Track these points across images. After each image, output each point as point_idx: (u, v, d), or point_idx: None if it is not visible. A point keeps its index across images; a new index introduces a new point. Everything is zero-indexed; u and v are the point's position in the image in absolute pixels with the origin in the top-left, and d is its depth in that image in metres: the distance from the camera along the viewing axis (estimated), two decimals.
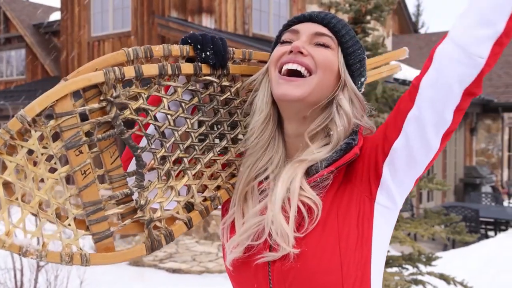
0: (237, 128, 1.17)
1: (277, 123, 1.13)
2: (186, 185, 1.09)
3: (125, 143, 1.02)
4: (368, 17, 4.05)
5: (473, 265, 6.75)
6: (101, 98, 0.96)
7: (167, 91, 1.08)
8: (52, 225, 0.96)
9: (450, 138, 1.04)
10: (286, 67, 1.06)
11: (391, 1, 4.01)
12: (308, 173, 1.05)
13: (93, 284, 4.69)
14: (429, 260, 4.17)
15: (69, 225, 0.94)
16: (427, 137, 0.99)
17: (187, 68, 1.05)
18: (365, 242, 1.03)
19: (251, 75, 1.16)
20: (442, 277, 4.13)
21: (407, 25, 20.11)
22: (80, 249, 0.94)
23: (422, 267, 4.28)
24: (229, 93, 1.14)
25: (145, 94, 1.01)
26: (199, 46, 1.07)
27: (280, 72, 1.08)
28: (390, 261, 4.07)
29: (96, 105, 0.95)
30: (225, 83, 1.12)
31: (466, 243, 7.83)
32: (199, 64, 1.07)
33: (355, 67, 1.11)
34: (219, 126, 1.14)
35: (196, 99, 1.09)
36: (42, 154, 0.91)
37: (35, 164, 0.94)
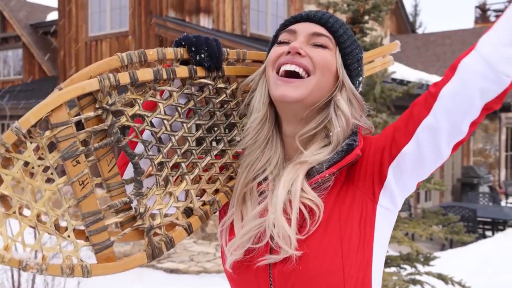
0: (233, 130, 1.16)
1: (274, 124, 1.12)
2: (184, 190, 1.08)
3: (121, 150, 1.00)
4: (366, 17, 4.05)
5: (471, 265, 6.76)
6: (97, 106, 0.94)
7: (162, 95, 1.07)
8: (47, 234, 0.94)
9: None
10: (284, 68, 1.06)
11: (389, 1, 4.01)
12: (309, 174, 1.05)
13: (91, 284, 4.67)
14: (427, 260, 4.18)
15: (69, 236, 0.92)
16: (439, 146, 0.99)
17: (182, 71, 1.04)
18: (367, 244, 1.03)
19: (247, 76, 1.16)
20: (440, 277, 4.13)
21: (404, 25, 20.12)
22: (81, 260, 0.93)
23: (420, 267, 4.29)
24: (224, 95, 1.13)
25: (140, 100, 0.99)
26: (193, 49, 1.06)
27: (277, 73, 1.07)
28: (388, 261, 4.07)
29: (91, 114, 0.94)
30: (221, 85, 1.11)
31: (464, 243, 7.83)
32: (194, 67, 1.06)
33: (353, 67, 1.10)
34: (215, 129, 1.13)
35: (192, 103, 1.07)
36: (38, 166, 0.89)
37: (31, 175, 0.92)
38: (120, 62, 0.97)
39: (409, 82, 9.23)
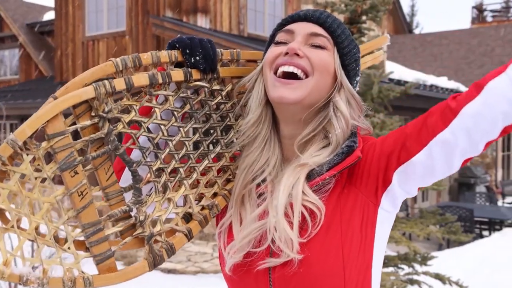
0: (230, 132, 1.15)
1: (272, 124, 1.11)
2: (183, 195, 1.07)
3: (115, 157, 0.99)
4: (364, 17, 4.05)
5: (468, 265, 6.77)
6: (93, 114, 0.92)
7: (157, 99, 1.05)
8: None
9: None
10: (282, 69, 1.05)
11: (386, 1, 4.01)
12: (309, 176, 1.04)
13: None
14: (424, 260, 4.18)
15: (69, 248, 0.90)
16: (452, 160, 0.98)
17: (178, 75, 1.03)
18: (368, 246, 1.02)
19: (241, 77, 1.14)
20: (437, 276, 4.14)
21: (401, 26, 20.15)
22: (82, 272, 0.91)
23: (417, 266, 4.29)
24: (220, 97, 1.11)
25: (136, 106, 0.98)
26: (187, 51, 1.04)
27: (275, 73, 1.06)
28: (386, 261, 4.07)
29: (88, 122, 0.91)
30: (216, 86, 1.10)
31: (461, 243, 7.85)
32: (189, 69, 1.04)
33: (351, 67, 1.10)
34: (212, 131, 1.12)
35: (188, 106, 1.06)
36: (36, 178, 0.87)
37: (28, 187, 0.90)
38: (115, 67, 0.95)
39: (406, 82, 9.25)
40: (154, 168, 1.01)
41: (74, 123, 0.91)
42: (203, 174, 1.11)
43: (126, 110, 0.97)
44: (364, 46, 1.30)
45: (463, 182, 12.61)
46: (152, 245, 0.99)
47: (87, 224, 0.91)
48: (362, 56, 1.29)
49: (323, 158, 1.04)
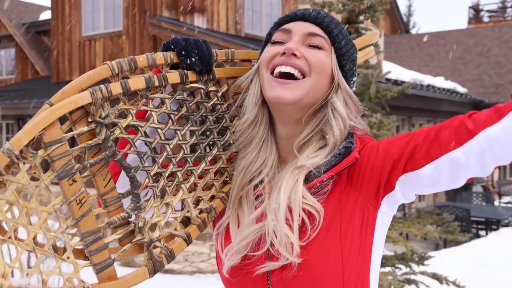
0: (226, 134, 1.14)
1: (269, 125, 1.10)
2: (180, 199, 1.06)
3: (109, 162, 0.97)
4: (361, 17, 4.05)
5: (465, 265, 6.79)
6: (89, 119, 0.90)
7: (153, 102, 1.04)
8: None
9: None
10: (279, 69, 1.04)
11: (384, 1, 4.01)
12: (307, 178, 1.03)
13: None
14: (421, 260, 4.19)
15: (68, 258, 0.88)
16: (459, 177, 0.97)
17: (174, 77, 1.01)
18: (367, 249, 1.02)
19: (236, 77, 1.13)
20: (435, 276, 4.14)
21: (398, 26, 20.18)
22: (82, 281, 0.89)
23: (415, 266, 4.30)
24: (216, 98, 1.10)
25: (133, 110, 0.96)
26: (183, 52, 1.03)
27: (272, 73, 1.05)
28: (383, 261, 4.07)
29: (85, 128, 0.89)
30: (212, 88, 1.09)
31: (458, 243, 7.86)
32: (185, 71, 1.03)
33: (348, 67, 1.09)
34: (208, 133, 1.11)
35: (184, 109, 1.05)
36: (34, 187, 0.85)
37: (24, 196, 0.88)
38: (111, 71, 0.93)
39: (403, 82, 9.26)
40: (152, 173, 0.99)
41: (70, 130, 0.89)
42: (200, 177, 1.10)
43: (123, 115, 0.96)
44: (354, 42, 1.29)
45: None
46: (151, 251, 0.98)
47: (86, 232, 0.89)
48: None
49: (320, 159, 1.03)
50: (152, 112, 0.99)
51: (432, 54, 17.88)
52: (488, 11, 26.05)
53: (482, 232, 9.45)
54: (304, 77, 1.04)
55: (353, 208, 1.01)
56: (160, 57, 1.00)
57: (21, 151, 0.82)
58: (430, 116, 12.12)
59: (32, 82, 13.74)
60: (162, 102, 1.01)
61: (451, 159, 0.94)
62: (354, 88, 1.14)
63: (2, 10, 16.11)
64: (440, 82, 13.09)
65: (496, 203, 11.61)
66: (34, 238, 0.87)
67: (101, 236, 0.91)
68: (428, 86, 11.67)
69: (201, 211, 1.08)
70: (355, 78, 1.14)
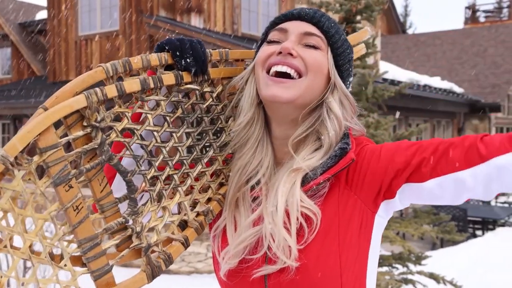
0: (221, 135, 1.13)
1: (264, 125, 1.09)
2: (177, 202, 1.05)
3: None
4: (359, 17, 4.05)
5: (462, 264, 6.80)
6: (85, 123, 0.88)
7: (147, 104, 1.02)
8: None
9: None
10: (275, 69, 1.02)
11: (381, 1, 4.02)
12: (303, 181, 1.01)
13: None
14: (418, 260, 4.20)
15: (65, 265, 0.86)
16: (461, 196, 0.97)
17: (169, 78, 1.00)
18: (364, 253, 1.01)
19: (231, 77, 1.12)
20: (432, 276, 4.15)
21: (395, 26, 20.22)
22: None
23: (412, 266, 4.30)
24: (211, 99, 1.09)
25: (129, 113, 0.94)
26: (178, 53, 1.01)
27: (268, 73, 1.03)
28: (380, 261, 4.08)
29: (80, 133, 0.87)
30: (207, 89, 1.08)
31: (455, 243, 7.88)
32: (180, 72, 1.02)
33: (344, 68, 1.08)
34: (204, 135, 1.09)
35: (180, 111, 1.03)
36: (29, 194, 0.83)
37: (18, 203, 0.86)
38: (105, 73, 0.91)
39: (400, 82, 9.28)
40: (148, 177, 0.98)
41: (65, 134, 0.87)
42: (196, 179, 1.09)
43: (118, 118, 0.94)
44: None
45: None
46: (149, 256, 0.96)
47: (83, 239, 0.87)
48: None
49: (316, 161, 1.02)
50: (148, 115, 0.98)
51: (429, 54, 17.91)
52: (484, 11, 26.13)
53: (478, 232, 9.47)
54: (300, 76, 1.02)
55: (352, 212, 1.00)
56: (154, 58, 0.99)
57: (16, 158, 0.80)
58: (427, 116, 12.14)
59: (28, 82, 13.70)
60: (158, 104, 1.00)
61: (457, 179, 0.94)
62: (350, 89, 1.13)
63: None
64: (436, 82, 13.12)
65: (493, 203, 11.64)
66: (30, 246, 0.85)
67: (98, 242, 0.89)
68: (425, 86, 11.69)
69: (198, 214, 1.07)
70: (351, 79, 1.13)
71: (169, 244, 1.02)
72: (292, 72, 1.02)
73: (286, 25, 1.07)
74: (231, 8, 9.99)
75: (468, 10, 25.69)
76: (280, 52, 1.03)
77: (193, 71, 1.03)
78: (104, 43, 10.24)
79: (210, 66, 1.09)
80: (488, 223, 9.37)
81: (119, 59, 0.95)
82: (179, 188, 1.04)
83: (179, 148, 1.04)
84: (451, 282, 4.15)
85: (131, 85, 0.94)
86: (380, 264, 4.11)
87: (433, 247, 8.31)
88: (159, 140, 1.00)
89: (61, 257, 0.88)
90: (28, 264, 4.38)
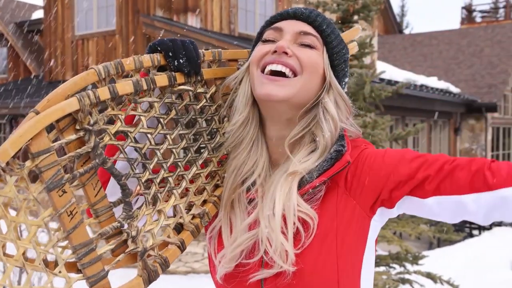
0: (216, 136, 1.12)
1: (259, 125, 1.08)
2: (172, 205, 1.04)
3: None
4: (356, 17, 4.05)
5: (459, 264, 6.82)
6: (77, 127, 0.86)
7: (141, 105, 1.01)
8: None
9: None
10: (270, 68, 1.01)
11: (378, 0, 4.02)
12: (299, 184, 1.00)
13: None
14: (415, 259, 4.20)
15: (60, 272, 0.85)
16: (458, 217, 0.97)
17: (162, 80, 0.99)
18: (359, 258, 1.01)
19: (225, 78, 1.11)
20: (429, 276, 4.16)
21: (392, 26, 20.25)
22: None
23: (409, 266, 4.31)
24: (205, 100, 1.08)
25: (122, 115, 0.93)
26: (170, 54, 1.00)
27: (262, 72, 1.02)
28: (377, 260, 4.08)
29: (73, 136, 0.86)
30: (200, 89, 1.07)
31: (451, 242, 7.89)
32: (173, 73, 1.01)
33: (340, 68, 1.07)
34: (198, 136, 1.08)
35: (173, 112, 1.02)
36: (22, 200, 0.81)
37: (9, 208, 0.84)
38: (98, 76, 0.90)
39: (396, 82, 9.29)
40: (143, 180, 0.97)
41: (57, 138, 0.85)
42: (191, 181, 1.08)
43: (111, 121, 0.93)
44: None
45: None
46: (145, 260, 0.95)
47: (78, 245, 0.86)
48: None
49: (312, 163, 1.01)
50: (141, 117, 0.96)
51: (425, 54, 17.94)
52: (480, 11, 26.19)
53: (475, 232, 9.50)
54: (295, 75, 1.02)
55: (350, 217, 0.99)
56: (147, 59, 0.98)
57: (7, 163, 0.78)
58: (424, 116, 12.16)
59: (25, 82, 13.65)
60: (151, 106, 0.99)
61: (459, 202, 0.94)
62: (345, 89, 1.12)
63: None
64: (433, 82, 13.15)
65: None
66: (24, 253, 0.83)
67: (93, 247, 0.88)
68: (422, 86, 11.71)
69: (193, 217, 1.06)
70: (346, 79, 1.12)
71: (165, 248, 1.01)
72: (287, 71, 1.01)
73: (282, 24, 1.06)
74: (228, 8, 9.98)
75: (464, 10, 25.74)
76: (275, 51, 1.02)
77: (186, 71, 1.01)
78: (100, 43, 10.21)
79: (203, 66, 1.07)
80: None
81: (115, 59, 0.94)
82: (174, 191, 1.03)
83: (174, 150, 1.03)
84: (448, 282, 4.15)
85: (124, 87, 0.93)
86: (377, 264, 4.11)
87: (430, 246, 8.33)
88: (153, 143, 0.98)
89: (56, 263, 0.86)
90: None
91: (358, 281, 1.01)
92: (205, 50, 1.08)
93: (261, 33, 1.10)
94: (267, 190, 1.03)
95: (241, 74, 1.09)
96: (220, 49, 1.11)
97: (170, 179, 1.02)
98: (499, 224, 9.60)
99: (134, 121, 0.99)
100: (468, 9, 25.74)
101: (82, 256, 0.86)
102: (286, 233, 0.97)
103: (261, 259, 0.99)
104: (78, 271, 0.88)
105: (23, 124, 0.81)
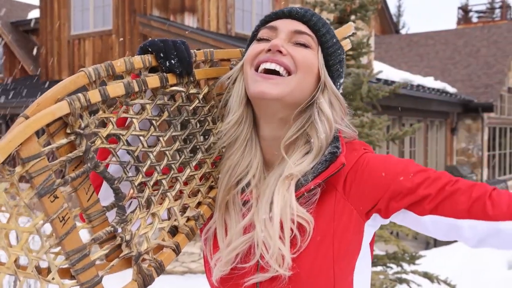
0: (209, 137, 1.10)
1: (252, 125, 1.07)
2: (166, 208, 1.02)
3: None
4: (353, 17, 4.05)
5: (455, 264, 6.83)
6: (68, 131, 0.85)
7: (132, 108, 0.99)
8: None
9: None
10: (264, 66, 1.00)
11: (375, 0, 4.02)
12: (295, 187, 0.99)
13: None
14: (413, 259, 4.21)
15: (53, 279, 0.83)
16: (452, 238, 0.98)
17: (153, 81, 0.97)
18: (354, 262, 1.00)
19: (217, 78, 1.10)
20: (426, 275, 4.16)
21: (388, 26, 20.28)
22: None
23: (406, 266, 4.31)
24: (197, 101, 1.07)
25: (114, 118, 0.91)
26: (162, 55, 0.98)
27: (256, 71, 1.01)
28: (375, 260, 4.08)
29: (64, 140, 0.84)
30: (192, 90, 1.05)
31: (448, 242, 7.91)
32: (165, 74, 0.99)
33: (335, 68, 1.06)
34: (191, 137, 1.07)
35: (166, 114, 1.01)
36: (13, 206, 0.79)
37: None
38: (88, 78, 0.88)
39: (393, 82, 9.30)
40: (136, 183, 0.95)
41: (48, 143, 0.83)
42: (185, 183, 1.06)
43: (102, 124, 0.91)
44: None
45: None
46: (140, 265, 0.94)
47: (71, 251, 0.84)
48: None
49: (307, 165, 1.00)
50: (133, 119, 0.95)
51: (422, 54, 17.98)
52: (477, 11, 26.27)
53: None
54: (289, 74, 1.00)
55: (347, 222, 0.98)
56: (138, 60, 0.96)
57: None
58: (421, 115, 12.18)
59: (21, 82, 13.61)
60: (143, 108, 0.97)
61: (454, 225, 0.94)
62: (341, 90, 1.11)
63: None
64: (430, 82, 13.18)
65: None
66: (16, 260, 0.81)
67: (87, 253, 0.86)
68: (418, 86, 11.73)
69: (188, 219, 1.05)
70: (341, 80, 1.11)
71: (160, 251, 1.00)
72: (281, 69, 1.00)
73: (276, 23, 1.05)
74: (224, 8, 9.97)
75: (460, 10, 25.81)
76: (269, 50, 1.01)
77: (178, 72, 1.00)
78: (97, 42, 10.19)
79: (195, 67, 1.06)
80: None
81: (112, 60, 0.93)
82: (168, 193, 1.02)
83: (167, 152, 1.02)
84: (445, 281, 4.16)
85: (115, 89, 0.91)
86: (375, 264, 4.11)
87: (427, 246, 8.34)
88: (145, 145, 0.97)
89: (49, 270, 0.85)
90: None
91: (351, 286, 1.00)
92: (196, 50, 1.06)
93: (256, 32, 1.09)
94: (262, 192, 1.02)
95: (235, 73, 1.08)
96: (212, 49, 1.10)
97: (163, 181, 1.01)
98: None
99: (126, 123, 0.97)
100: (465, 9, 25.81)
101: (76, 262, 0.85)
102: (283, 237, 0.96)
103: (257, 263, 0.98)
104: (72, 277, 0.87)
105: (13, 129, 0.80)
